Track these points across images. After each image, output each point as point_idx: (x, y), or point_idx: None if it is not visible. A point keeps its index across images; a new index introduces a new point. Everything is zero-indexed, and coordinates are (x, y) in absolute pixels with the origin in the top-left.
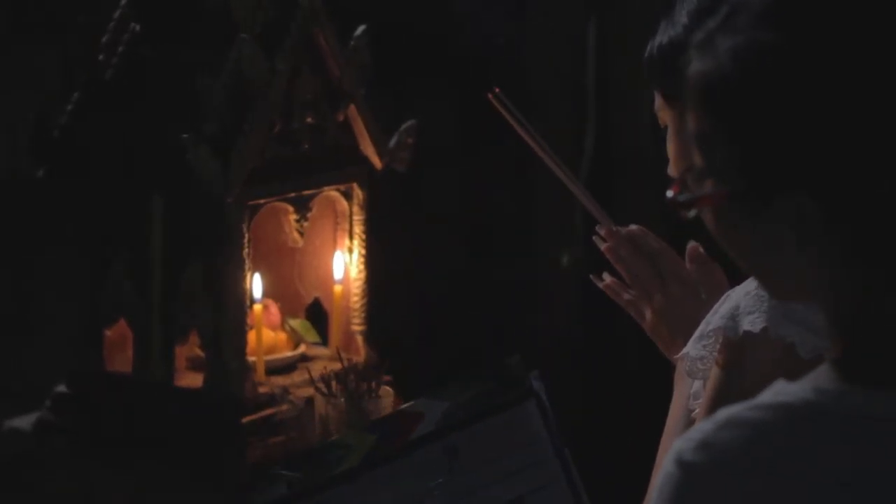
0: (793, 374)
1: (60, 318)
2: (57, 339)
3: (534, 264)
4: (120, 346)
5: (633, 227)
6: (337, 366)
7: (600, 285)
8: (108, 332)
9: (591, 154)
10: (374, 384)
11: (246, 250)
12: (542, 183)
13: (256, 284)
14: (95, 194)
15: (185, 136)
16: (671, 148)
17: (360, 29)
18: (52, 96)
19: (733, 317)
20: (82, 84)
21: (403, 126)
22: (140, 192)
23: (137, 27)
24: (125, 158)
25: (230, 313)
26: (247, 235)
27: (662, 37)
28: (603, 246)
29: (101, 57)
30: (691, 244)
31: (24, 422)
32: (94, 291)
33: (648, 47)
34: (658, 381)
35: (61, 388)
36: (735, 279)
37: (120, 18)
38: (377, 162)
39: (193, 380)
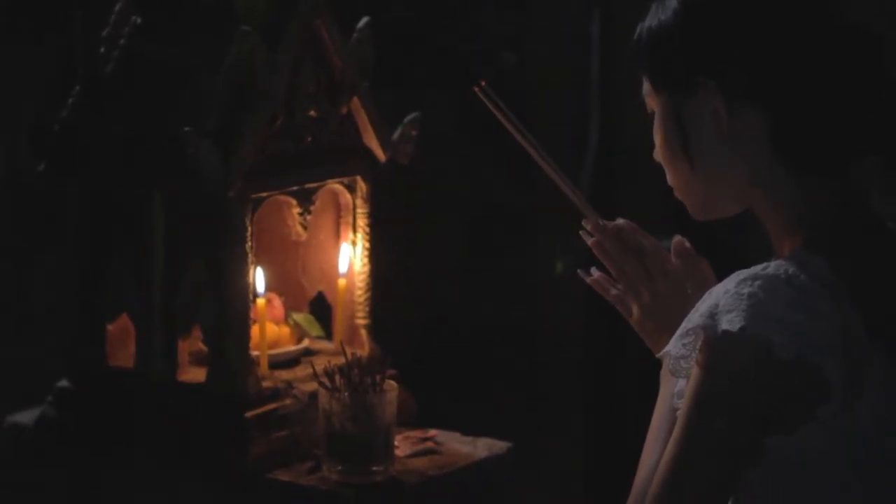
0: (771, 374)
1: (62, 314)
2: (59, 334)
3: (537, 257)
4: (122, 341)
5: (621, 221)
6: (341, 360)
7: (588, 280)
8: (110, 328)
9: (595, 146)
10: (378, 378)
11: (249, 244)
12: (545, 177)
13: (259, 278)
14: (96, 188)
15: (186, 129)
16: (657, 134)
17: (363, 21)
18: (52, 91)
19: (712, 315)
20: (83, 78)
21: (407, 118)
22: (141, 185)
23: (138, 20)
24: (126, 152)
25: (233, 308)
26: (250, 229)
27: (652, 20)
28: (589, 241)
29: (101, 50)
30: (676, 238)
31: (27, 417)
32: (97, 286)
33: (637, 30)
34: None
35: (63, 383)
36: (722, 274)
37: (121, 11)
38: (381, 155)
39: (196, 374)
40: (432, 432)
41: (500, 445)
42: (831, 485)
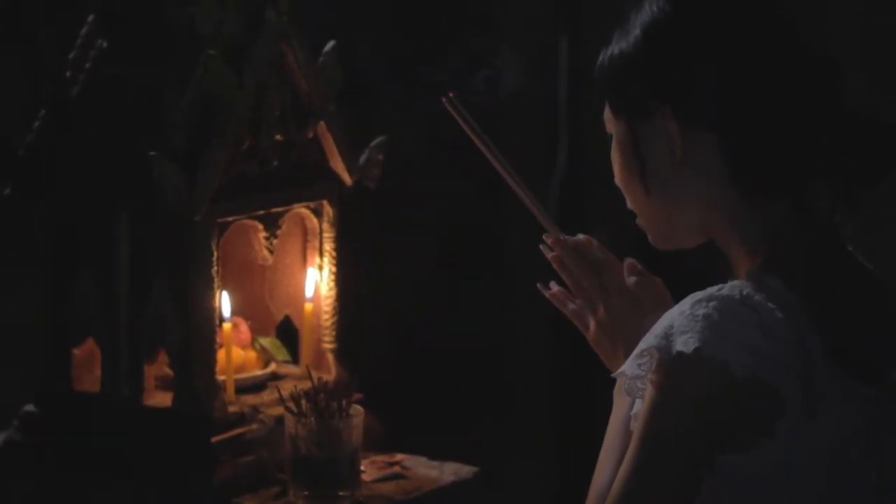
0: (726, 394)
1: (28, 337)
2: (25, 358)
3: (506, 279)
4: (88, 365)
5: (581, 236)
6: (307, 384)
7: (546, 294)
8: (76, 351)
9: (564, 169)
10: (344, 402)
11: (215, 268)
12: (513, 197)
13: (225, 303)
14: (62, 212)
15: (151, 153)
16: (615, 158)
17: (330, 44)
18: (18, 113)
19: (667, 336)
20: (48, 101)
21: (374, 142)
22: (107, 209)
23: (104, 44)
24: (92, 175)
25: (199, 332)
26: (216, 253)
27: (614, 48)
28: (549, 255)
29: (67, 73)
30: (628, 260)
31: None
32: (62, 310)
33: (600, 57)
34: None
35: (29, 407)
36: (677, 294)
37: (87, 35)
38: (347, 178)
39: (163, 399)
40: (399, 457)
41: (466, 470)
42: (790, 501)
